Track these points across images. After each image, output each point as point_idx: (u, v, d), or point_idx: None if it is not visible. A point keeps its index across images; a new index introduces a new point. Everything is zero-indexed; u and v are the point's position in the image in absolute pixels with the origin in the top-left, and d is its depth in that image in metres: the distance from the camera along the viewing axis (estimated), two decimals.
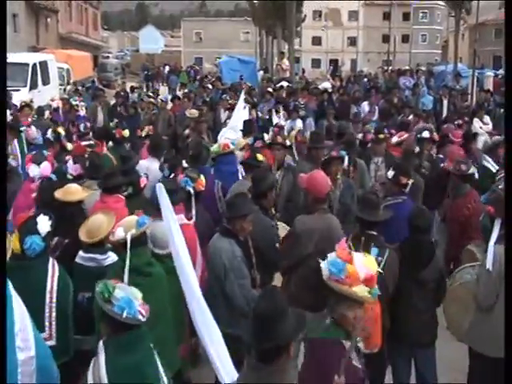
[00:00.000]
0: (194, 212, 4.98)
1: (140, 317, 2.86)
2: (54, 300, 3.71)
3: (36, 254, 3.71)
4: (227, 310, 3.92)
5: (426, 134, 7.96)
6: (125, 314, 2.78)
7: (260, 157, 6.09)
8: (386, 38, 53.30)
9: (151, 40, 78.89)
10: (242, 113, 9.40)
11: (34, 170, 5.73)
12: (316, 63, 62.69)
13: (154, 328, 3.34)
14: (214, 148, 6.90)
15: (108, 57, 45.70)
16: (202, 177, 5.41)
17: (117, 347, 2.81)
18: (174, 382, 3.71)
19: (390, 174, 5.69)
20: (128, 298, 2.86)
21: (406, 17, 64.68)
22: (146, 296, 3.23)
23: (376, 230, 4.28)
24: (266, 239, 4.63)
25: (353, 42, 64.17)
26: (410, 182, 5.65)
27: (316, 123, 11.57)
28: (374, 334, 4.08)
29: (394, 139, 8.17)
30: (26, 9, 32.25)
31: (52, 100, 15.37)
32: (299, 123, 10.64)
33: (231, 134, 8.18)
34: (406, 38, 62.67)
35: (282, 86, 16.43)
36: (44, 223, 3.78)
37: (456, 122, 10.11)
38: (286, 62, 26.51)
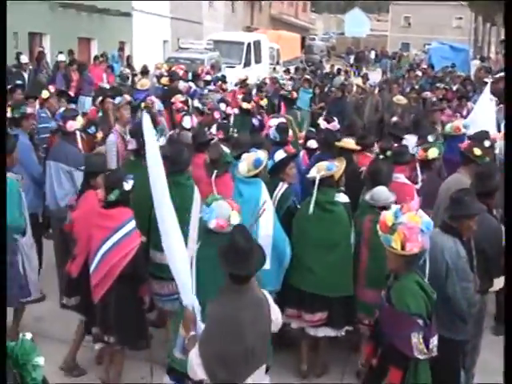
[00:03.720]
0: (420, 178, 5.82)
1: (211, 225, 3.57)
2: None
3: None
4: (445, 312, 3.69)
5: None
6: (205, 218, 3.59)
7: (477, 151, 5.57)
8: None
9: (357, 23, 77.99)
10: (487, 106, 8.62)
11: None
12: None
13: (333, 252, 4.51)
14: (447, 128, 7.10)
15: (314, 39, 46.49)
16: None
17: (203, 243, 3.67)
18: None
19: None
20: (212, 209, 3.58)
21: None
22: (326, 228, 4.51)
23: None
24: (492, 242, 4.27)
25: None
26: None
27: None
28: None
29: None
30: None
31: (258, 79, 16.07)
32: None
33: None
34: None
35: (501, 77, 15.06)
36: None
37: None
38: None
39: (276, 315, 3.17)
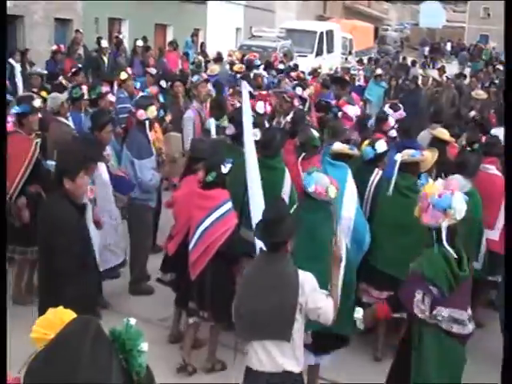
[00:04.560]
0: None
1: (310, 189, 3.79)
2: None
3: None
4: None
5: None
6: (304, 183, 3.85)
7: None
8: None
9: (432, 14, 75.35)
10: None
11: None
12: None
13: (407, 235, 4.50)
14: None
15: (387, 29, 45.41)
16: None
17: (303, 207, 3.92)
18: None
19: None
20: (312, 177, 3.79)
21: None
22: (401, 211, 4.49)
23: None
24: None
25: None
26: None
27: None
28: None
29: None
30: None
31: (330, 69, 15.88)
32: None
33: None
34: None
35: None
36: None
37: None
38: None
39: (315, 304, 3.11)
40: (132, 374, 1.40)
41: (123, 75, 8.09)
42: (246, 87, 4.83)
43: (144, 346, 1.43)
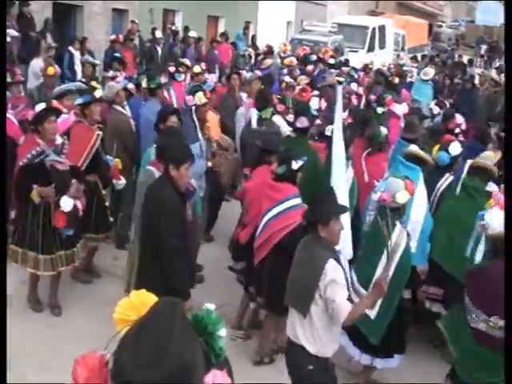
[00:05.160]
0: None
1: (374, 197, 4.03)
2: None
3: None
4: None
5: None
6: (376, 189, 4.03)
7: None
8: None
9: (490, 11, 72.96)
10: None
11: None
12: None
13: (466, 235, 4.34)
14: None
15: (441, 26, 44.30)
16: None
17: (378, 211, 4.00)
18: None
19: None
20: (384, 183, 3.97)
21: None
22: (463, 210, 4.56)
23: None
24: None
25: None
26: None
27: None
28: None
29: None
30: None
31: (383, 66, 15.59)
32: None
33: None
34: None
35: None
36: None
37: None
38: None
39: (333, 295, 3.15)
40: (211, 357, 1.44)
41: (196, 68, 8.44)
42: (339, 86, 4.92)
43: (223, 332, 1.47)
